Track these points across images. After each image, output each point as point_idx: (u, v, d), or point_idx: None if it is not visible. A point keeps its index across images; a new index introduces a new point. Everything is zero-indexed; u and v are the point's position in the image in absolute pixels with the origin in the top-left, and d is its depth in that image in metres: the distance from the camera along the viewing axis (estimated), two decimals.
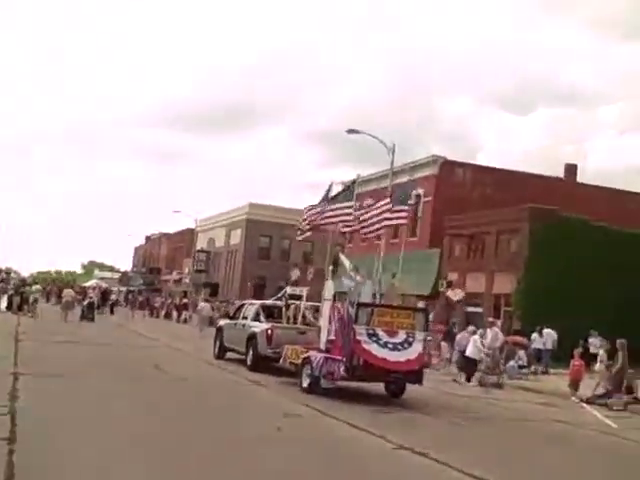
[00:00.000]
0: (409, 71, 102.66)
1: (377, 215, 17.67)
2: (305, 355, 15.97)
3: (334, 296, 16.13)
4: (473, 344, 20.96)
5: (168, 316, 52.77)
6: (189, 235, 74.89)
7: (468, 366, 21.15)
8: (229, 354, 21.71)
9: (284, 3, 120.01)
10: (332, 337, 15.67)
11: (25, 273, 72.01)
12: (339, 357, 15.05)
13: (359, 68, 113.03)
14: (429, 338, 26.68)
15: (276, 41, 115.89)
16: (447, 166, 40.99)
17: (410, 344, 15.09)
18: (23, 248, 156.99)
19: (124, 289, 71.63)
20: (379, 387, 16.44)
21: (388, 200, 17.74)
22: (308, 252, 54.41)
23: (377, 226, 17.83)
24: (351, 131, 33.45)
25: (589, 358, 23.64)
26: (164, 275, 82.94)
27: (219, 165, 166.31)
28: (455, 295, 34.13)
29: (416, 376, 15.45)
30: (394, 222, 18.27)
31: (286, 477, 8.27)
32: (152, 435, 9.73)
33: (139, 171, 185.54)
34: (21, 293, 39.01)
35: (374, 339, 14.86)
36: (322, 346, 15.83)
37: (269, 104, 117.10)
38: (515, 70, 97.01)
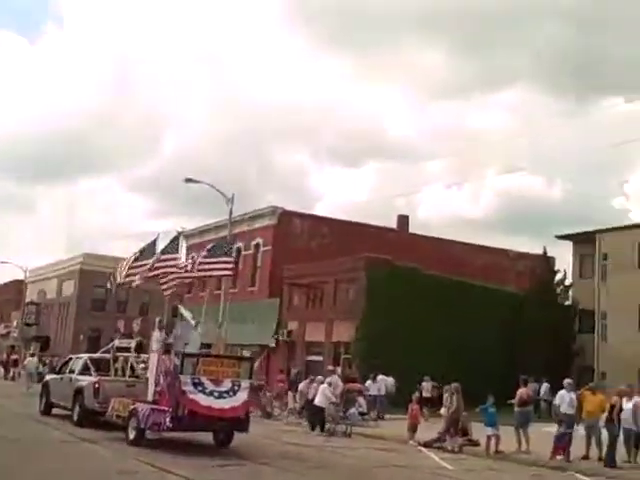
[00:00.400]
0: (245, 122, 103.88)
1: (200, 267, 18.16)
2: (132, 407, 15.74)
3: (165, 347, 16.04)
4: (322, 393, 20.90)
5: None
6: (17, 286, 70.81)
7: (315, 415, 21.05)
8: (56, 410, 20.54)
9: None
10: (159, 388, 15.61)
11: None
12: (165, 408, 14.97)
13: (192, 117, 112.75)
14: (268, 392, 26.84)
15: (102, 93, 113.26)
16: (285, 216, 41.48)
17: (235, 392, 15.27)
18: None
19: None
20: (206, 437, 16.26)
21: (206, 253, 18.19)
22: (146, 303, 52.98)
23: (201, 275, 18.64)
24: (189, 180, 33.09)
25: (424, 402, 24.35)
26: None
27: (50, 215, 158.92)
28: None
29: (242, 424, 15.58)
30: (218, 273, 18.90)
31: None
32: None
33: None
34: None
35: (199, 388, 14.93)
36: (150, 397, 15.76)
37: (100, 153, 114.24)
38: (347, 126, 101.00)
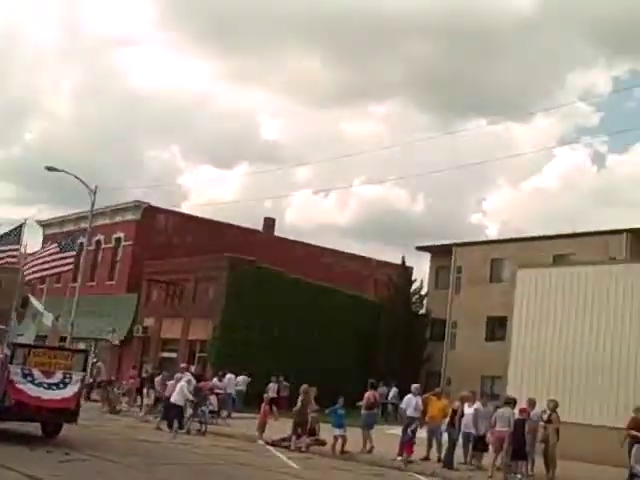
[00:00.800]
0: (115, 113, 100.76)
1: (44, 260, 18.44)
2: None
3: None
4: (180, 391, 20.44)
5: None
6: None
7: (171, 412, 20.54)
8: None
9: None
10: None
11: None
12: None
13: (59, 104, 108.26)
14: (117, 388, 26.13)
15: None
16: (150, 212, 40.60)
17: (66, 384, 15.42)
18: None
19: None
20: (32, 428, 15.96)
21: (55, 246, 18.38)
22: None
23: (44, 272, 19.81)
24: (50, 168, 31.77)
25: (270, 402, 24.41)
26: None
27: None
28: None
29: (71, 415, 15.61)
30: (60, 269, 19.37)
31: None
32: None
33: None
34: None
35: (29, 379, 15.01)
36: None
37: None
38: (220, 126, 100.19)
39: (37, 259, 20.82)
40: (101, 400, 26.00)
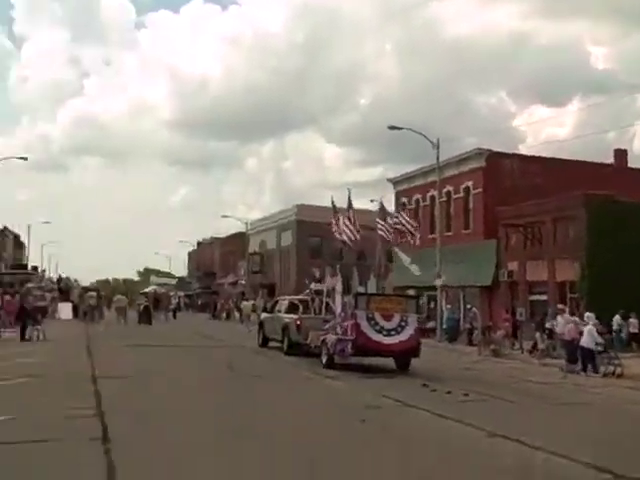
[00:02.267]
0: (436, 66, 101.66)
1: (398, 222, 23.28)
2: (323, 338, 19.27)
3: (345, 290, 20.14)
4: (588, 334, 20.41)
5: (228, 317, 54.50)
6: (240, 238, 75.40)
7: (584, 357, 20.55)
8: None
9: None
10: (343, 322, 18.70)
11: (85, 282, 73.24)
12: (347, 337, 18.06)
13: (383, 66, 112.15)
14: (495, 332, 27.17)
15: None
16: (493, 158, 40.33)
17: (403, 328, 18.08)
18: (82, 258, 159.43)
19: (182, 294, 72.56)
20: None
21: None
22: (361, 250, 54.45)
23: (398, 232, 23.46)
24: (393, 127, 33.44)
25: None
26: (219, 279, 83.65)
27: (261, 170, 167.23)
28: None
29: (413, 352, 18.29)
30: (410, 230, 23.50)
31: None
32: (240, 428, 9.74)
33: (178, 177, 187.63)
34: (83, 301, 39.87)
35: (372, 323, 17.92)
36: (337, 330, 18.80)
37: (300, 110, 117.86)
38: (543, 63, 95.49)
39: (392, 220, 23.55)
40: (480, 344, 26.99)
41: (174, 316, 48.87)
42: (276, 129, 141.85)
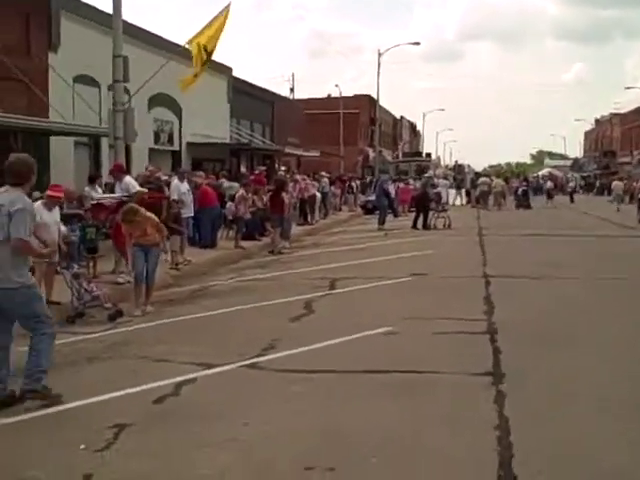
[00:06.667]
0: None
1: None
2: None
3: None
4: None
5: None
6: None
7: None
8: None
9: None
10: None
11: (478, 167, 72.53)
12: None
13: None
14: None
15: None
16: None
17: None
18: (476, 144, 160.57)
19: (577, 175, 68.17)
20: None
21: None
22: None
23: None
24: None
25: None
26: (620, 157, 76.67)
27: None
28: None
29: None
30: None
31: None
32: None
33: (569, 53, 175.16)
34: (475, 186, 38.65)
35: None
36: None
37: None
38: None
39: None
40: None
41: (571, 199, 45.22)
42: None
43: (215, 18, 14.32)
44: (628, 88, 66.34)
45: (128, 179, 12.90)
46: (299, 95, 60.23)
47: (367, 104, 61.56)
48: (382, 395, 6.04)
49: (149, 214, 10.08)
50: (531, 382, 6.35)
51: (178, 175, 15.37)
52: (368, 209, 32.02)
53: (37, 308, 5.98)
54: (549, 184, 45.96)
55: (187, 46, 15.19)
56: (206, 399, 6.11)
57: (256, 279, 13.28)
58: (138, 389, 6.34)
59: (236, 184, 20.60)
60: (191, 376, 6.66)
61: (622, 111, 78.64)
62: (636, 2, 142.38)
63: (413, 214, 25.67)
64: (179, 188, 14.71)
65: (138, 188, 12.69)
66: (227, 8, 14.35)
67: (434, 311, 9.66)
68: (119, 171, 13.13)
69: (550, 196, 42.66)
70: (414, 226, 24.31)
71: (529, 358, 7.17)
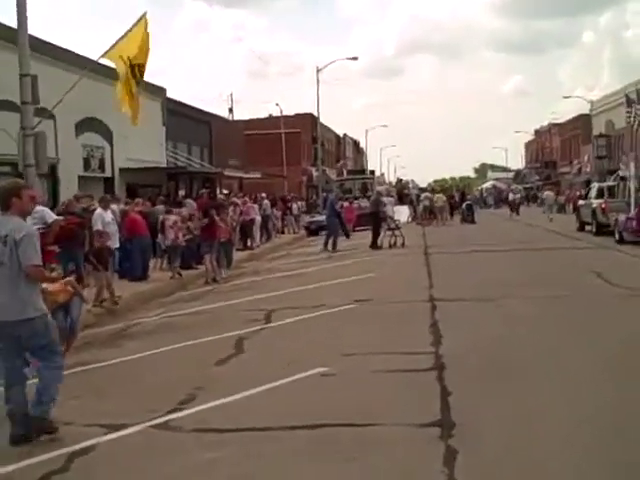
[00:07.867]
0: None
1: None
2: (614, 218, 21.55)
3: None
4: None
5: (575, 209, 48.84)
6: (582, 121, 68.37)
7: None
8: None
9: None
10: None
11: (423, 183, 72.59)
12: (633, 216, 20.05)
13: None
14: None
15: None
16: None
17: None
18: (418, 160, 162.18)
19: (520, 187, 68.75)
20: None
21: None
22: None
23: None
24: None
25: None
26: (560, 167, 77.64)
27: (596, 44, 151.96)
28: None
29: None
30: None
31: None
32: None
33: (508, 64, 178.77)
34: (420, 202, 38.40)
35: None
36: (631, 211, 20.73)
37: None
38: None
39: None
40: None
41: (517, 212, 45.37)
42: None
43: (132, 30, 13.19)
44: (566, 97, 67.69)
45: (40, 209, 11.78)
46: (241, 116, 59.43)
47: (309, 123, 60.93)
48: (311, 460, 5.13)
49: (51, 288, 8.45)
50: (485, 430, 5.51)
51: (101, 203, 14.26)
52: (312, 230, 31.24)
53: (53, 337, 5.92)
54: (516, 196, 47.43)
55: (105, 60, 13.94)
56: (95, 476, 5.14)
57: (186, 314, 12.29)
58: (27, 462, 5.35)
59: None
60: (89, 443, 5.66)
61: (560, 121, 79.75)
62: (564, 12, 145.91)
63: (360, 234, 24.97)
64: (103, 217, 13.60)
65: (54, 217, 11.65)
66: (143, 17, 13.23)
67: (376, 344, 8.81)
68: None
69: (513, 208, 43.70)
70: (374, 245, 23.38)
71: (480, 398, 6.34)
